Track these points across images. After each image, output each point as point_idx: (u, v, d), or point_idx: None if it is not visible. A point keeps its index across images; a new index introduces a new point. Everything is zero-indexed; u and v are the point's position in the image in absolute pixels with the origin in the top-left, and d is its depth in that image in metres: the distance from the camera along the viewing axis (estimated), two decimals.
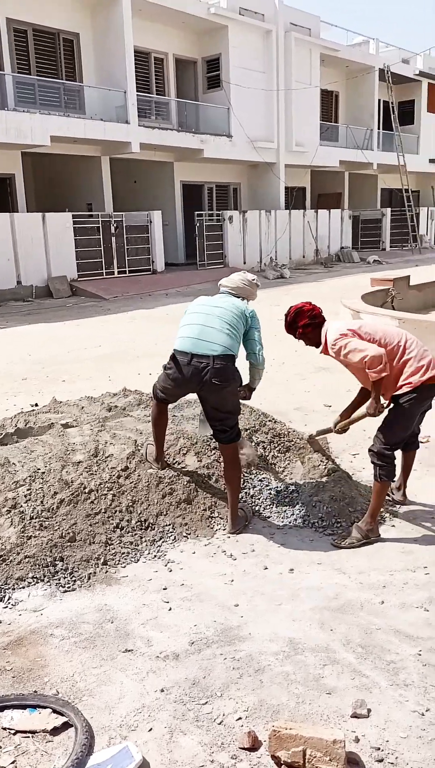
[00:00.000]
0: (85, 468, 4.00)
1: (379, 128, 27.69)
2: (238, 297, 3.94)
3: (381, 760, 2.17)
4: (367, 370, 3.53)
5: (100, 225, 17.12)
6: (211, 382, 3.66)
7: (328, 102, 26.74)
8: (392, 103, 26.51)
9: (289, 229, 22.69)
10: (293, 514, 4.01)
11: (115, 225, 17.42)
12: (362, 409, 3.89)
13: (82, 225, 16.72)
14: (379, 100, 27.53)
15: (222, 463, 4.00)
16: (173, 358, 3.78)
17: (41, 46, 17.29)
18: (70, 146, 17.63)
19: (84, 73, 18.09)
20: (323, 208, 25.57)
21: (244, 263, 20.99)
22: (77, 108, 17.69)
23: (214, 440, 4.47)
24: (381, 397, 3.68)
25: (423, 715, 2.37)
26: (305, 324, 3.78)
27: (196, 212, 20.17)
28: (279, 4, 21.96)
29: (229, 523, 3.85)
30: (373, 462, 3.69)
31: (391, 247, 27.30)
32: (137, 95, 18.14)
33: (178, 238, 21.48)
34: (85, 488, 3.84)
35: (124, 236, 17.69)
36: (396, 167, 26.69)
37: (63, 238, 16.05)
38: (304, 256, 23.66)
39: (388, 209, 27.40)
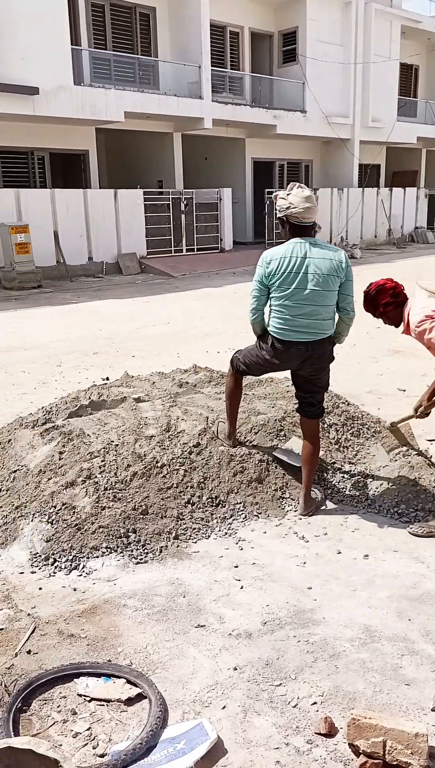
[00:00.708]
0: (158, 442, 4.01)
1: None
2: (307, 223, 3.48)
3: None
4: None
5: (170, 202, 17.12)
6: (311, 364, 3.59)
7: (407, 76, 25.76)
8: None
9: (361, 207, 22.12)
10: (367, 499, 3.91)
11: (185, 202, 17.38)
12: None
13: (153, 202, 16.76)
14: None
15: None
16: (275, 345, 3.59)
17: (118, 21, 17.27)
18: (143, 122, 17.62)
19: (159, 48, 17.99)
20: (398, 186, 24.78)
21: None
22: (151, 83, 17.65)
23: (291, 420, 4.40)
24: None
25: None
26: (387, 302, 3.62)
27: (267, 190, 19.89)
28: None
29: (301, 504, 3.78)
30: None
31: None
32: (211, 70, 17.92)
33: (247, 216, 21.26)
34: (157, 462, 3.84)
35: (194, 213, 17.63)
36: None
37: (133, 214, 16.14)
38: (376, 236, 23.05)
39: None
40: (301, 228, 3.48)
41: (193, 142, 20.05)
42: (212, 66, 18.07)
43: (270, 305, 3.57)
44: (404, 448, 4.31)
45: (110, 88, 15.85)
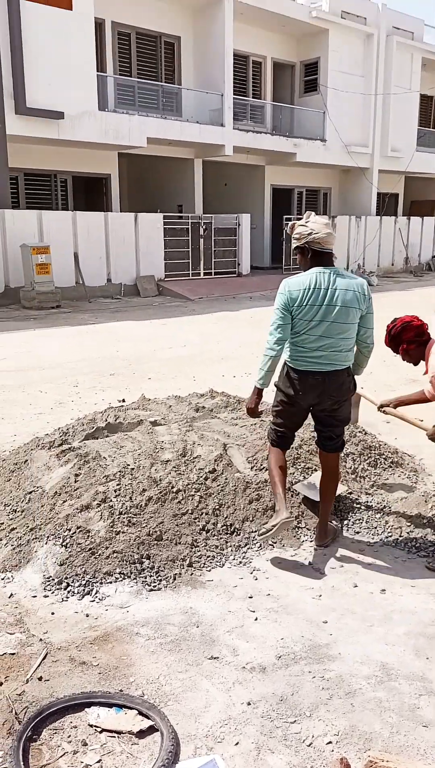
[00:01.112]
0: (174, 467, 3.99)
1: None
2: (327, 250, 3.43)
3: None
4: None
5: (189, 226, 17.29)
6: (330, 396, 3.47)
7: (428, 107, 25.99)
8: None
9: (379, 235, 22.21)
10: (384, 532, 3.85)
11: (204, 227, 17.54)
12: (424, 424, 3.99)
13: (172, 226, 16.93)
14: None
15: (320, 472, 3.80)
16: (290, 375, 3.49)
17: (143, 49, 17.64)
18: (165, 148, 17.88)
19: (183, 76, 18.32)
20: (416, 215, 24.88)
21: None
22: (174, 110, 17.94)
23: (308, 449, 4.37)
24: None
25: None
26: (410, 340, 3.67)
27: (285, 216, 20.04)
28: (382, 8, 21.52)
29: (317, 535, 3.71)
30: None
31: None
32: (233, 98, 18.21)
33: (265, 241, 21.41)
34: (173, 487, 3.82)
35: (212, 238, 17.79)
36: None
37: (153, 238, 16.30)
38: (392, 264, 23.09)
39: None
40: (322, 256, 3.41)
41: (213, 168, 20.30)
42: (234, 94, 18.37)
43: (290, 342, 3.48)
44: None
45: (134, 114, 16.14)
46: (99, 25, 16.03)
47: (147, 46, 17.71)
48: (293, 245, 3.49)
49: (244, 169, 20.80)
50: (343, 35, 20.50)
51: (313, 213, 3.48)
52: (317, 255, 3.41)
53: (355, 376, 3.66)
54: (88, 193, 18.10)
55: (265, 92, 20.80)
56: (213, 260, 17.94)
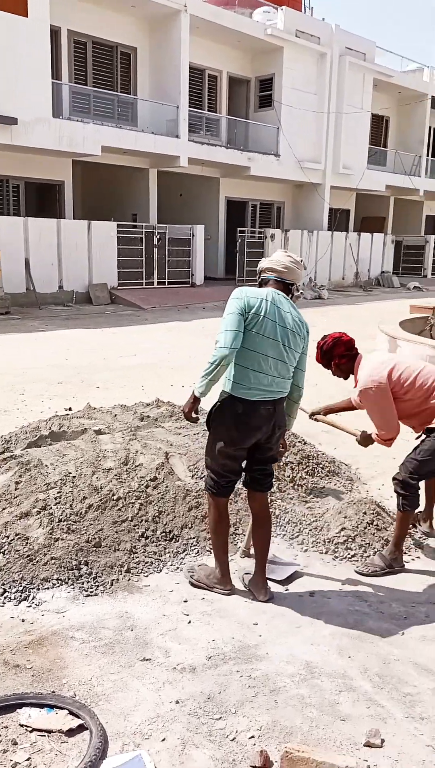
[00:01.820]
0: (115, 475, 4.07)
1: (427, 155, 27.62)
2: (288, 282, 3.27)
3: None
4: (375, 434, 3.82)
5: (143, 236, 17.38)
6: (277, 426, 3.22)
7: (378, 126, 26.78)
8: None
9: (330, 250, 22.71)
10: (317, 538, 4.00)
11: (158, 236, 17.65)
12: (354, 431, 4.15)
13: (126, 234, 16.99)
14: (430, 127, 27.50)
15: (250, 518, 3.54)
16: (237, 410, 3.10)
17: (99, 58, 17.71)
18: (120, 157, 17.95)
19: (138, 86, 18.46)
20: (366, 231, 25.55)
21: None
22: (129, 120, 18.04)
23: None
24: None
25: None
26: (341, 354, 3.83)
27: (239, 229, 20.32)
28: (335, 29, 22.14)
29: (259, 591, 3.31)
30: (396, 491, 3.69)
31: (432, 274, 27.10)
32: (189, 110, 18.43)
33: (219, 253, 21.66)
34: (113, 495, 3.90)
35: (166, 248, 17.91)
36: None
37: (106, 246, 16.32)
38: (343, 278, 23.63)
39: (432, 236, 27.25)
40: (277, 283, 3.24)
41: (168, 179, 20.46)
42: (190, 107, 18.59)
43: (233, 366, 3.13)
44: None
45: (89, 122, 16.17)
46: (55, 32, 16.04)
47: (103, 55, 17.79)
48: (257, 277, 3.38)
49: (199, 180, 21.04)
50: (297, 53, 20.99)
51: (282, 250, 3.47)
52: (270, 283, 3.26)
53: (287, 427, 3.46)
54: (42, 200, 18.02)
55: (220, 106, 21.11)
56: (167, 270, 18.06)
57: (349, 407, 4.17)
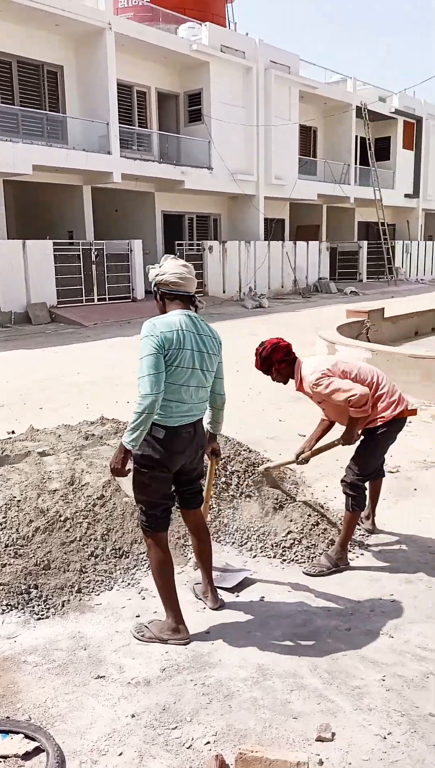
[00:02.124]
0: (61, 496, 4.06)
1: (356, 163, 28.47)
2: (190, 294, 3.17)
3: None
4: (351, 409, 3.63)
5: (80, 253, 17.30)
6: (198, 447, 3.19)
7: (307, 137, 27.45)
8: (369, 139, 27.30)
9: (268, 259, 23.09)
10: (265, 543, 4.09)
11: (95, 253, 17.60)
12: (334, 441, 3.96)
13: (63, 252, 16.88)
14: (357, 137, 28.35)
15: (189, 536, 3.49)
16: (157, 437, 2.99)
17: (25, 78, 17.60)
18: (53, 175, 17.86)
19: (67, 104, 18.42)
20: (302, 239, 26.08)
21: (224, 292, 21.28)
22: (60, 138, 17.97)
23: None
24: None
25: (385, 738, 2.45)
26: (280, 359, 3.84)
27: (177, 242, 20.46)
28: (259, 43, 22.64)
29: (210, 598, 3.37)
30: (345, 492, 3.82)
31: (367, 278, 27.88)
32: (120, 127, 18.50)
33: None
34: (60, 516, 3.90)
35: (105, 264, 17.88)
36: (372, 201, 27.41)
37: (43, 265, 16.18)
38: (282, 286, 24.04)
39: (365, 242, 28.07)
40: (179, 298, 3.12)
41: (103, 195, 20.45)
42: (120, 123, 18.66)
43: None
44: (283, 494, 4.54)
45: (18, 141, 16.03)
46: None
47: (29, 74, 17.70)
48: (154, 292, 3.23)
49: (134, 195, 21.10)
50: (224, 68, 21.36)
51: (171, 256, 3.26)
52: (174, 297, 3.12)
53: (217, 434, 3.48)
54: None
55: (150, 121, 21.26)
56: (106, 286, 18.02)
57: (326, 428, 4.16)
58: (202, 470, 3.38)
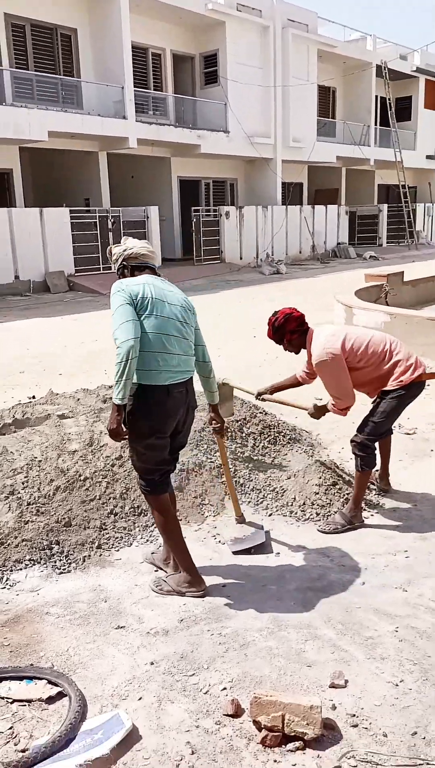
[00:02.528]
0: (81, 457, 4.14)
1: (376, 124, 27.81)
2: (154, 266, 3.27)
3: (356, 726, 2.32)
4: (331, 403, 3.87)
5: (97, 220, 17.23)
6: (191, 408, 3.18)
7: (325, 98, 26.82)
8: (389, 99, 26.61)
9: (285, 224, 22.81)
10: (281, 502, 4.15)
11: (112, 220, 17.52)
12: (311, 407, 4.16)
13: (80, 220, 16.82)
14: (377, 96, 27.64)
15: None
16: (149, 399, 2.97)
17: (39, 42, 17.35)
18: (68, 141, 17.71)
19: (82, 69, 18.16)
20: (320, 203, 25.69)
21: (241, 258, 21.11)
22: (75, 103, 17.77)
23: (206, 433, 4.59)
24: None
25: (397, 685, 2.51)
26: (293, 330, 3.88)
27: (193, 208, 20.27)
28: (276, 1, 22.02)
29: (172, 566, 3.31)
30: (354, 453, 3.85)
31: (387, 243, 27.45)
32: (135, 91, 18.23)
33: (175, 233, 21.59)
34: (80, 476, 3.98)
35: (121, 231, 17.78)
36: (393, 163, 26.83)
37: (60, 233, 16.16)
38: (300, 252, 23.78)
39: (385, 205, 27.54)
40: (148, 269, 3.20)
41: (119, 161, 20.27)
42: (136, 87, 18.38)
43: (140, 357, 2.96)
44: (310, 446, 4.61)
45: (33, 107, 15.89)
46: None
47: (43, 38, 17.44)
48: (114, 268, 3.28)
49: (150, 161, 20.87)
50: (240, 27, 20.85)
51: (130, 238, 3.34)
52: (143, 270, 3.19)
53: (216, 404, 3.52)
54: None
55: (166, 84, 20.90)
56: None
57: (294, 384, 4.28)
58: (187, 436, 3.30)
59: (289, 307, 4.00)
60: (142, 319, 2.97)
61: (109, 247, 3.34)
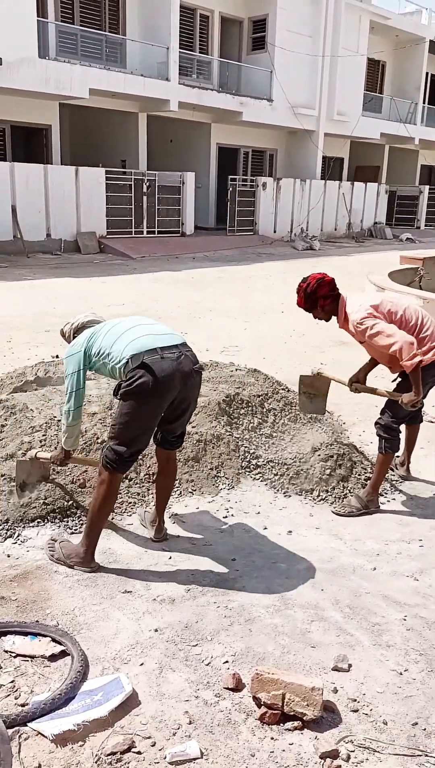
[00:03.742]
0: (100, 419, 4.13)
1: (424, 102, 27.02)
2: None
3: (356, 711, 2.30)
4: (401, 362, 3.46)
5: (132, 183, 17.07)
6: (193, 377, 3.04)
7: (374, 71, 26.09)
8: None
9: (323, 200, 22.40)
10: (297, 481, 4.11)
11: (147, 184, 17.34)
12: (400, 395, 3.65)
13: (115, 181, 16.68)
14: (428, 73, 26.81)
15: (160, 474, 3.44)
16: (139, 369, 2.87)
17: None
18: (109, 100, 17.48)
19: (127, 26, 17.84)
20: (360, 180, 25.17)
21: (274, 232, 20.83)
22: (118, 62, 17.50)
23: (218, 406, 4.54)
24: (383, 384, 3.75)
25: (401, 674, 2.48)
26: (325, 295, 3.68)
27: (230, 176, 19.97)
28: None
29: (156, 528, 3.38)
30: (378, 435, 3.77)
31: (426, 225, 26.88)
32: (180, 52, 17.87)
33: (210, 201, 21.33)
34: (98, 438, 3.96)
35: (156, 196, 17.62)
36: None
37: (94, 193, 16.05)
38: (335, 229, 23.39)
39: (426, 187, 26.90)
40: None
41: (158, 124, 19.98)
42: (181, 48, 18.03)
43: (112, 357, 2.97)
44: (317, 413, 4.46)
45: (76, 63, 15.69)
46: None
47: None
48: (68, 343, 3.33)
49: (190, 126, 20.55)
50: None
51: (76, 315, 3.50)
52: None
53: None
54: (28, 144, 17.60)
55: (212, 47, 20.47)
56: (156, 219, 17.81)
57: (373, 364, 4.04)
58: (193, 406, 3.22)
59: (319, 272, 3.83)
60: (104, 335, 3.08)
61: (60, 330, 3.51)
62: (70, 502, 3.58)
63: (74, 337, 3.33)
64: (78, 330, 3.36)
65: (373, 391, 3.98)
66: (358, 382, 4.07)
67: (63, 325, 3.48)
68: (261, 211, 20.34)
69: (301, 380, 4.42)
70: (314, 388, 4.42)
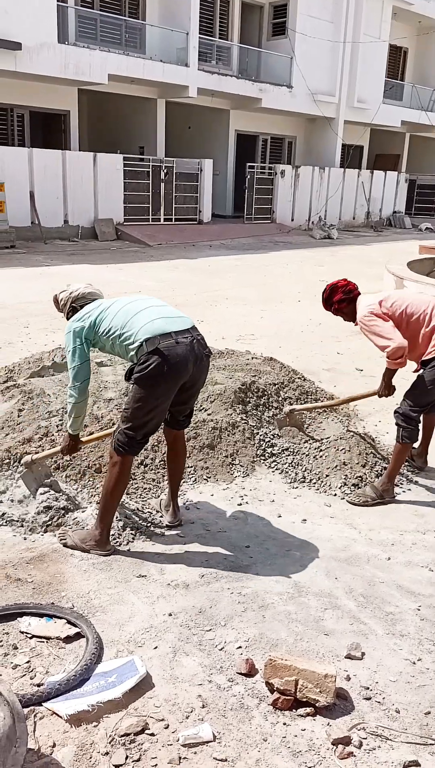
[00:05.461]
0: (116, 405, 4.15)
1: None
2: None
3: (368, 699, 2.30)
4: (386, 359, 3.69)
5: (150, 169, 17.02)
6: (206, 356, 3.06)
7: (396, 58, 25.74)
8: None
9: (341, 188, 22.21)
10: (313, 470, 4.10)
11: (165, 170, 17.28)
12: (373, 390, 4.07)
13: (133, 168, 16.64)
14: None
15: (171, 454, 3.43)
16: (153, 354, 2.85)
17: None
18: (127, 86, 17.41)
19: (147, 12, 17.72)
20: (380, 169, 24.90)
21: (292, 220, 20.70)
22: (137, 47, 17.40)
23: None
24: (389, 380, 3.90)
25: (414, 663, 2.48)
26: (340, 299, 3.89)
27: (248, 164, 19.85)
28: None
29: (171, 512, 3.40)
30: (397, 424, 3.76)
31: None
32: (199, 38, 17.73)
33: (228, 189, 21.22)
34: (113, 424, 3.97)
35: (174, 183, 17.56)
36: None
37: (112, 180, 16.02)
38: (354, 218, 23.20)
39: None
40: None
41: (177, 110, 19.87)
42: (200, 34, 17.88)
43: (125, 338, 2.95)
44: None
45: (95, 48, 15.62)
46: None
47: None
48: (65, 314, 3.31)
49: (209, 112, 20.41)
50: None
51: (73, 283, 3.43)
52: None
53: None
54: (47, 130, 17.60)
55: (232, 33, 20.29)
56: (174, 206, 17.76)
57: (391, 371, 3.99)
58: (202, 386, 3.23)
59: (343, 279, 3.98)
60: (114, 316, 3.01)
61: (54, 296, 3.36)
62: (85, 486, 3.61)
63: (71, 307, 3.27)
64: (76, 300, 3.26)
65: (360, 398, 4.36)
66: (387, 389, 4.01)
67: (59, 291, 3.34)
68: (279, 199, 20.21)
69: (278, 425, 4.48)
70: (292, 423, 4.55)
